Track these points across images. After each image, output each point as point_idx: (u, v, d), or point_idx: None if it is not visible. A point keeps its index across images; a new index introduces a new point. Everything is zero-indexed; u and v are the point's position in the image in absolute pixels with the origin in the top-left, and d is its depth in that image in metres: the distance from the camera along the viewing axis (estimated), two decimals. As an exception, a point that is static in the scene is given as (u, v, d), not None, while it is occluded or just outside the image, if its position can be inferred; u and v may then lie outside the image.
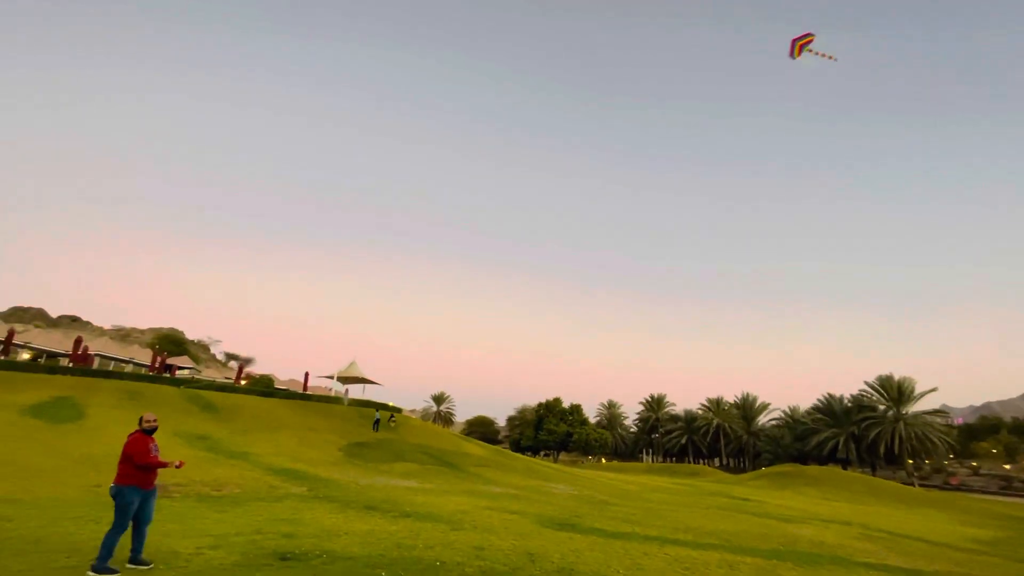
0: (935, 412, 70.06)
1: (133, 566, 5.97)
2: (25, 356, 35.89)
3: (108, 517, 8.80)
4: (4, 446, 14.63)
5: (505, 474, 28.36)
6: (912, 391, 68.03)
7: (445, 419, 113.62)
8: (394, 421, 33.93)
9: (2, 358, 27.86)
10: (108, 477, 13.09)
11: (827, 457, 72.59)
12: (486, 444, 45.69)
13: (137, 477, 6.08)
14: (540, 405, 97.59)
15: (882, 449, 65.84)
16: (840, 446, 70.56)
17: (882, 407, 69.77)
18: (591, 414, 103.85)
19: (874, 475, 65.22)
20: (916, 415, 67.39)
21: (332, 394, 48.04)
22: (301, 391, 43.51)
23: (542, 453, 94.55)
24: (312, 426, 29.33)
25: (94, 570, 5.69)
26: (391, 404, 45.35)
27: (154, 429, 6.47)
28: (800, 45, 21.89)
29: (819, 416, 77.83)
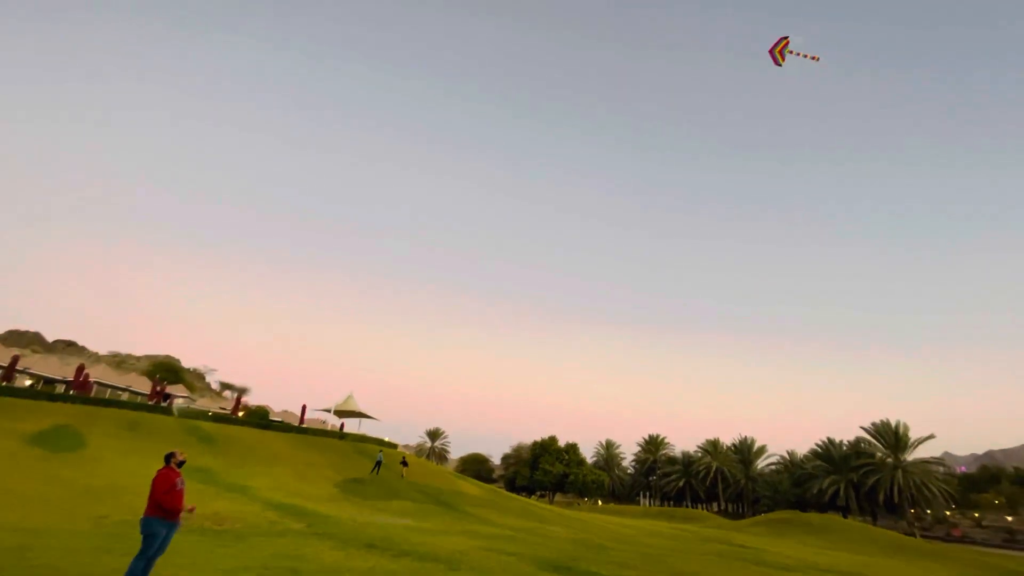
0: (934, 460, 69.43)
1: None
2: (27, 382, 35.91)
3: (119, 548, 9.14)
4: (10, 476, 14.81)
5: (501, 515, 28.12)
6: (909, 438, 67.60)
7: (439, 456, 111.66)
8: (405, 465, 32.47)
9: (4, 384, 28.02)
10: (112, 509, 13.35)
11: (827, 504, 71.32)
12: (481, 483, 45.13)
13: (164, 510, 6.53)
14: (536, 444, 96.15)
15: (881, 497, 64.86)
16: (840, 493, 69.47)
17: (879, 454, 69.14)
18: (588, 454, 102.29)
19: (875, 524, 64.01)
20: (915, 463, 66.70)
21: (328, 427, 47.71)
22: (296, 423, 43.27)
23: (537, 493, 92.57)
24: (308, 460, 29.21)
25: (119, 598, 6.06)
26: (387, 439, 45.05)
27: (182, 464, 6.98)
28: (780, 50, 21.58)
29: (818, 462, 76.90)
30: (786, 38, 21.52)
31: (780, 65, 21.87)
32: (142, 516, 6.56)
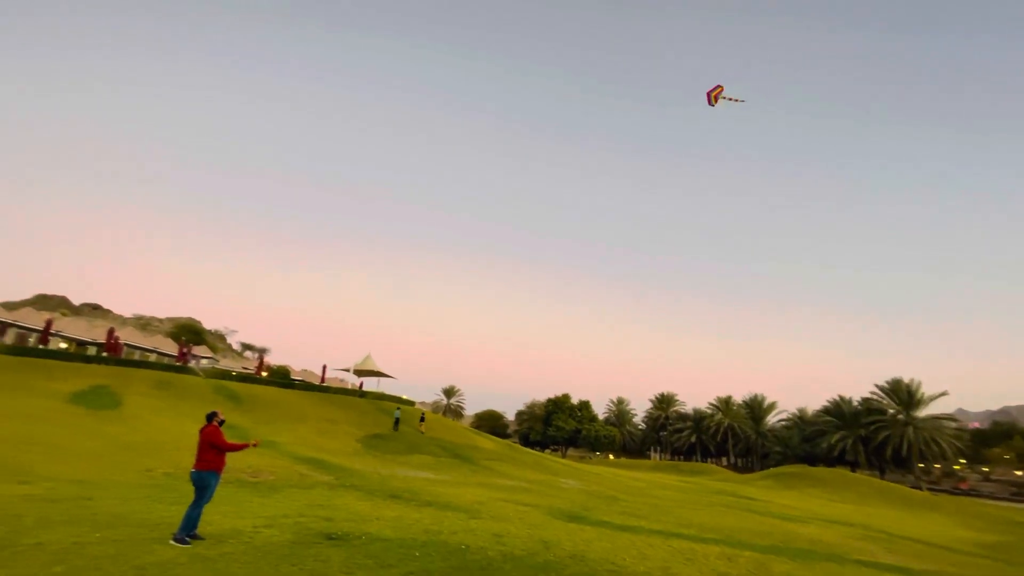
0: (946, 416, 69.77)
1: (190, 539, 6.91)
2: (62, 345, 37.61)
3: (169, 497, 9.92)
4: (59, 433, 15.86)
5: (516, 468, 29.34)
6: (922, 395, 67.85)
7: (455, 412, 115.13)
8: (423, 421, 34.41)
9: (41, 347, 29.40)
10: (156, 462, 14.32)
11: (836, 459, 72.67)
12: (496, 438, 46.75)
13: (215, 463, 7.14)
14: (549, 401, 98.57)
15: (889, 452, 65.88)
16: (848, 448, 70.63)
17: (891, 410, 69.67)
18: (600, 411, 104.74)
19: (883, 478, 65.31)
20: (926, 419, 67.19)
21: (348, 386, 49.36)
22: (316, 383, 44.88)
23: (550, 448, 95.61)
24: (331, 418, 30.50)
25: (175, 539, 6.74)
26: (404, 397, 46.56)
27: (222, 423, 7.56)
28: (715, 95, 24.75)
29: (828, 418, 77.83)
30: (720, 86, 25.06)
31: (712, 105, 25.32)
32: (194, 469, 7.13)
